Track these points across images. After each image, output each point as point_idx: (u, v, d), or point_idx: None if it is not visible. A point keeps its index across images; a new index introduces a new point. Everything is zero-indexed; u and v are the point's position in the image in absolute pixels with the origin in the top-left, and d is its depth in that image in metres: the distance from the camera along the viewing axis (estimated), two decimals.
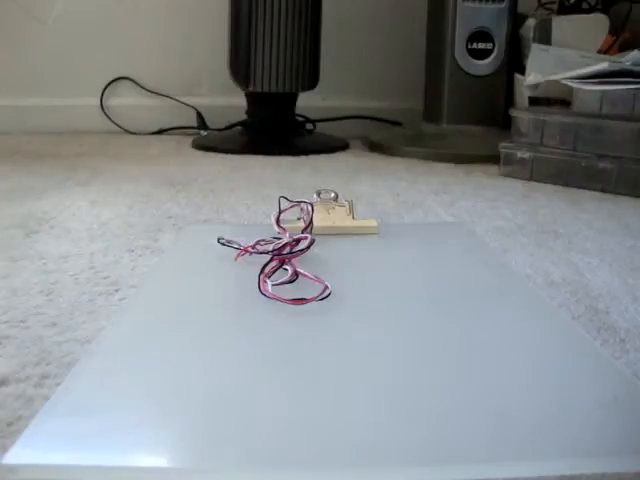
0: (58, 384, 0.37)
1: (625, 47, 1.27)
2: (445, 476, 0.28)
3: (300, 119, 1.47)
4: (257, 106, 1.41)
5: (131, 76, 1.58)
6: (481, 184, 1.05)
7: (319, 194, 0.69)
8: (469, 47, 1.32)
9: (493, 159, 1.15)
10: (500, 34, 1.32)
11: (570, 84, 1.07)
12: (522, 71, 1.30)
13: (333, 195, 0.69)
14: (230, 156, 1.28)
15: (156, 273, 0.56)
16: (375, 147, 1.38)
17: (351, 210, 0.66)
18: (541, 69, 1.21)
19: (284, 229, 0.57)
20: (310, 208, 0.60)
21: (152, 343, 0.41)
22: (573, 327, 0.46)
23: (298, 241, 0.53)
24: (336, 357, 0.39)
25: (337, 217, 0.65)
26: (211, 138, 1.43)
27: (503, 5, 1.31)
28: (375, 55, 1.63)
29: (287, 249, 0.52)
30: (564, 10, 1.41)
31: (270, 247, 0.52)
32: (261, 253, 0.53)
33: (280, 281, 0.47)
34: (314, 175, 1.09)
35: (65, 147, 1.34)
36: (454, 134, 1.34)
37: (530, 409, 0.33)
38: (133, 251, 0.65)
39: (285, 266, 0.50)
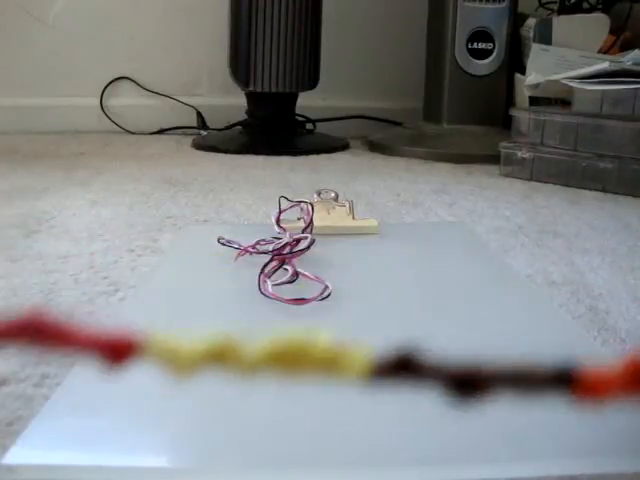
0: (58, 384, 0.37)
1: (626, 47, 1.27)
2: (445, 476, 0.28)
3: (300, 119, 1.47)
4: (257, 106, 1.41)
5: (131, 76, 1.58)
6: (481, 184, 1.04)
7: (319, 194, 0.69)
8: (469, 47, 1.32)
9: (493, 159, 1.15)
10: (500, 34, 1.32)
11: (570, 84, 1.07)
12: (522, 71, 1.30)
13: (333, 195, 0.69)
14: (230, 156, 1.28)
15: (156, 273, 0.56)
16: (375, 147, 1.38)
17: (351, 210, 0.66)
18: (542, 69, 1.21)
19: (284, 229, 0.57)
20: (310, 208, 0.60)
21: None
22: (573, 327, 0.46)
23: (298, 241, 0.53)
24: None
25: (337, 217, 0.65)
26: (211, 138, 1.43)
27: (503, 5, 1.31)
28: (375, 55, 1.63)
29: (287, 249, 0.52)
30: (565, 10, 1.41)
31: (270, 247, 0.52)
32: (261, 253, 0.53)
33: (280, 281, 0.47)
34: (314, 175, 1.09)
35: (65, 147, 1.34)
36: (454, 134, 1.34)
37: (530, 408, 0.33)
38: (133, 251, 0.65)
39: (285, 266, 0.50)
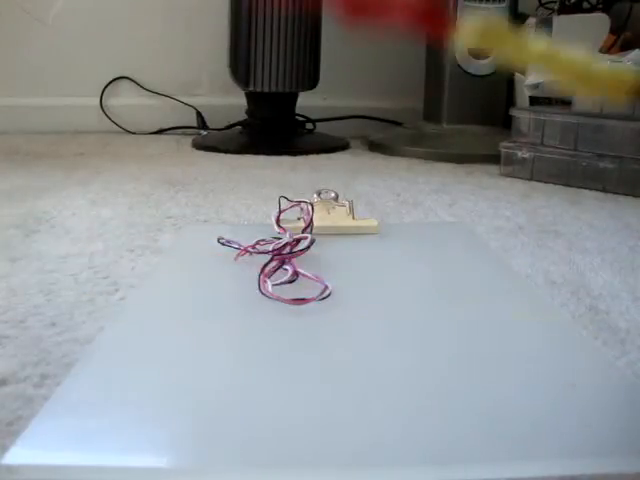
0: (58, 384, 0.37)
1: (626, 47, 1.27)
2: (445, 476, 0.28)
3: (300, 119, 1.47)
4: (257, 106, 1.41)
5: (131, 76, 1.58)
6: (481, 184, 1.04)
7: (319, 194, 0.69)
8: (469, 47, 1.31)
9: (493, 159, 1.15)
10: None
11: None
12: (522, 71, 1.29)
13: (333, 195, 0.69)
14: (230, 156, 1.28)
15: (156, 273, 0.56)
16: (375, 147, 1.38)
17: (351, 210, 0.66)
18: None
19: (284, 229, 0.57)
20: (310, 208, 0.60)
21: (151, 343, 0.41)
22: (573, 327, 0.46)
23: (298, 241, 0.53)
24: (336, 357, 0.39)
25: (337, 217, 0.65)
26: (211, 138, 1.43)
27: (503, 5, 1.31)
28: (375, 55, 1.63)
29: (287, 249, 0.52)
30: (565, 9, 1.41)
31: (270, 247, 0.52)
32: (261, 253, 0.53)
33: (280, 281, 0.47)
34: (314, 175, 1.09)
35: (65, 147, 1.34)
36: (454, 134, 1.34)
37: (530, 409, 0.33)
38: (133, 251, 0.65)
39: (285, 266, 0.50)
